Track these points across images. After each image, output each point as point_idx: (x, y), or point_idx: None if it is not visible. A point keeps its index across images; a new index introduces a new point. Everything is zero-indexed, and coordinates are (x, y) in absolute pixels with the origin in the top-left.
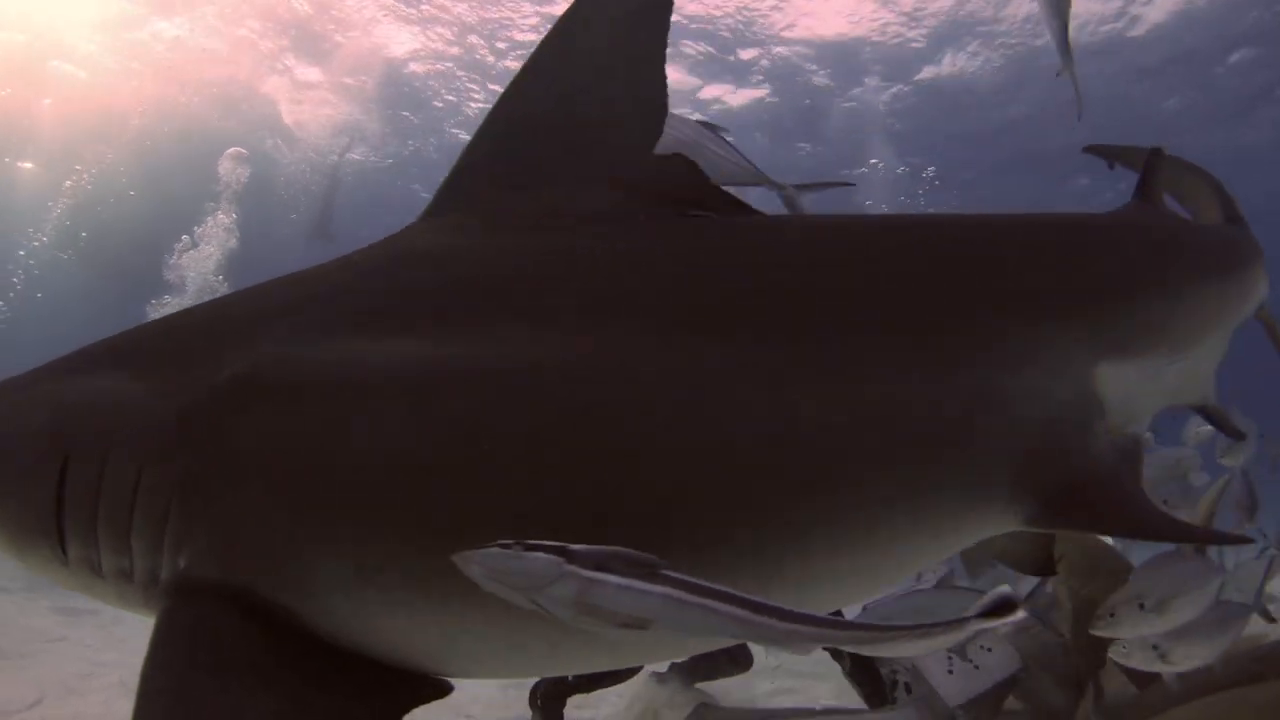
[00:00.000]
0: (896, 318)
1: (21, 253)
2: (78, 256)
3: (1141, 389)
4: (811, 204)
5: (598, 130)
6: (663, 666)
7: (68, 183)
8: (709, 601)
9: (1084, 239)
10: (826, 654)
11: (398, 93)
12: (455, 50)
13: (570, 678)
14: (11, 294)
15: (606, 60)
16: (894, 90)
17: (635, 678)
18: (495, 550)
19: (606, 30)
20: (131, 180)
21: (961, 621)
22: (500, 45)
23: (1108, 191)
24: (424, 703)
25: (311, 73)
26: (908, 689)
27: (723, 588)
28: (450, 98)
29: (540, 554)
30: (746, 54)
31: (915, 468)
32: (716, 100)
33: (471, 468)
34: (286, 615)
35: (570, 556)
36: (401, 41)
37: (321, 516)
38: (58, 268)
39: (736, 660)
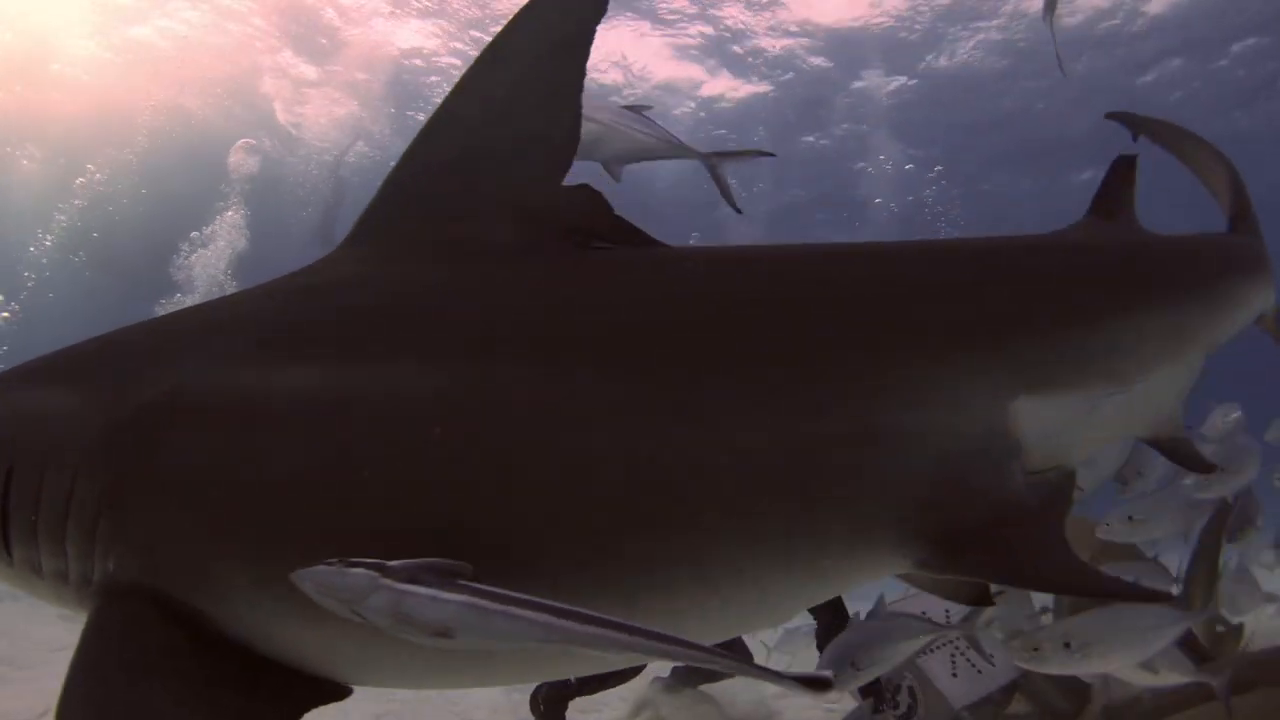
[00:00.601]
0: (782, 353)
1: (32, 249)
2: (88, 256)
3: (1069, 425)
4: (811, 195)
5: (508, 164)
6: (665, 670)
7: (79, 180)
8: (509, 608)
9: (1002, 266)
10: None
11: (403, 90)
12: (459, 45)
13: (573, 680)
14: (23, 294)
15: (522, 95)
16: (898, 82)
17: (639, 681)
18: (321, 568)
19: (524, 66)
20: (142, 179)
21: (776, 675)
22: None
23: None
24: (323, 704)
25: (314, 70)
26: (911, 693)
27: (523, 595)
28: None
29: (359, 569)
30: (745, 47)
31: (789, 507)
32: (721, 96)
33: (344, 491)
34: (202, 619)
35: (384, 571)
36: (406, 36)
37: (224, 530)
38: (68, 268)
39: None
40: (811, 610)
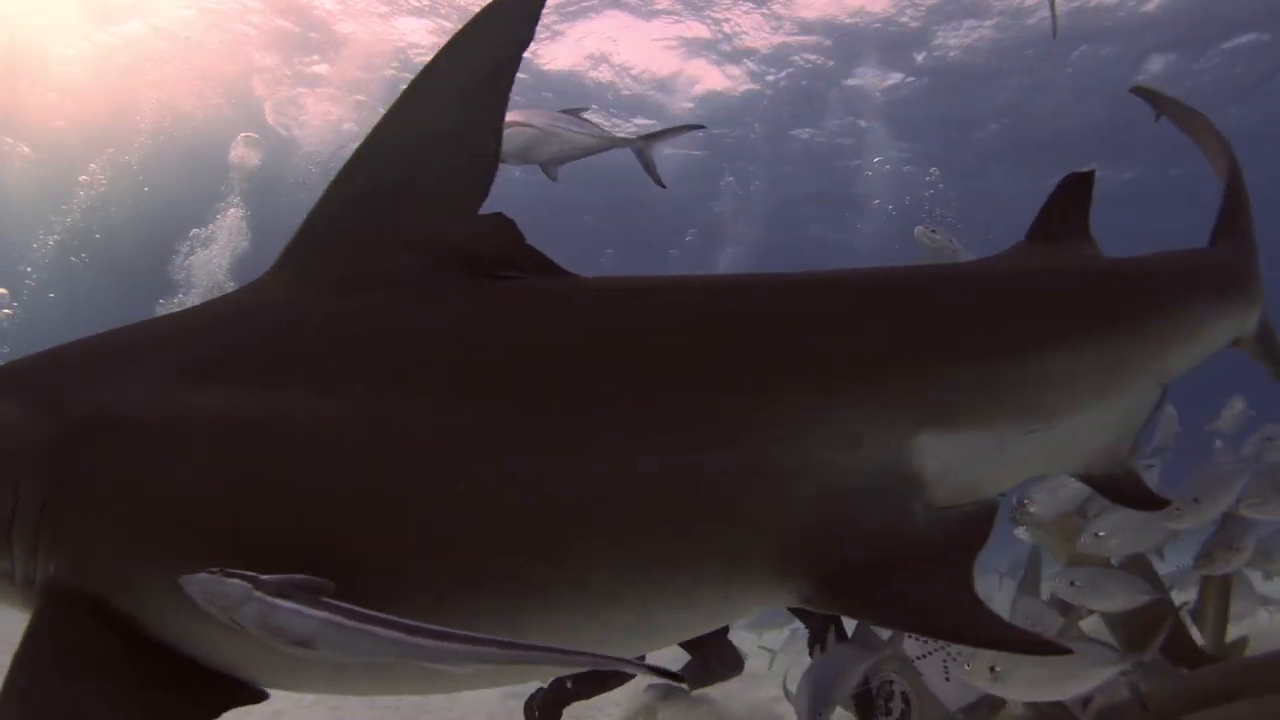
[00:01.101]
0: (667, 386)
1: (35, 245)
2: (90, 257)
3: (978, 462)
4: (809, 191)
5: (426, 195)
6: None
7: (82, 177)
8: (365, 625)
9: (906, 298)
10: None
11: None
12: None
13: (569, 684)
14: (24, 294)
15: (443, 128)
16: (894, 78)
17: (634, 685)
18: (204, 575)
19: (446, 100)
20: (145, 178)
21: (633, 663)
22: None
23: (1111, 176)
24: (242, 705)
25: (310, 69)
26: (905, 699)
27: (378, 614)
28: None
29: (235, 580)
30: (739, 45)
31: (665, 538)
32: (717, 93)
33: (241, 506)
34: (132, 622)
35: (256, 584)
36: (408, 33)
37: (143, 538)
38: (68, 268)
39: (728, 664)
40: (796, 613)
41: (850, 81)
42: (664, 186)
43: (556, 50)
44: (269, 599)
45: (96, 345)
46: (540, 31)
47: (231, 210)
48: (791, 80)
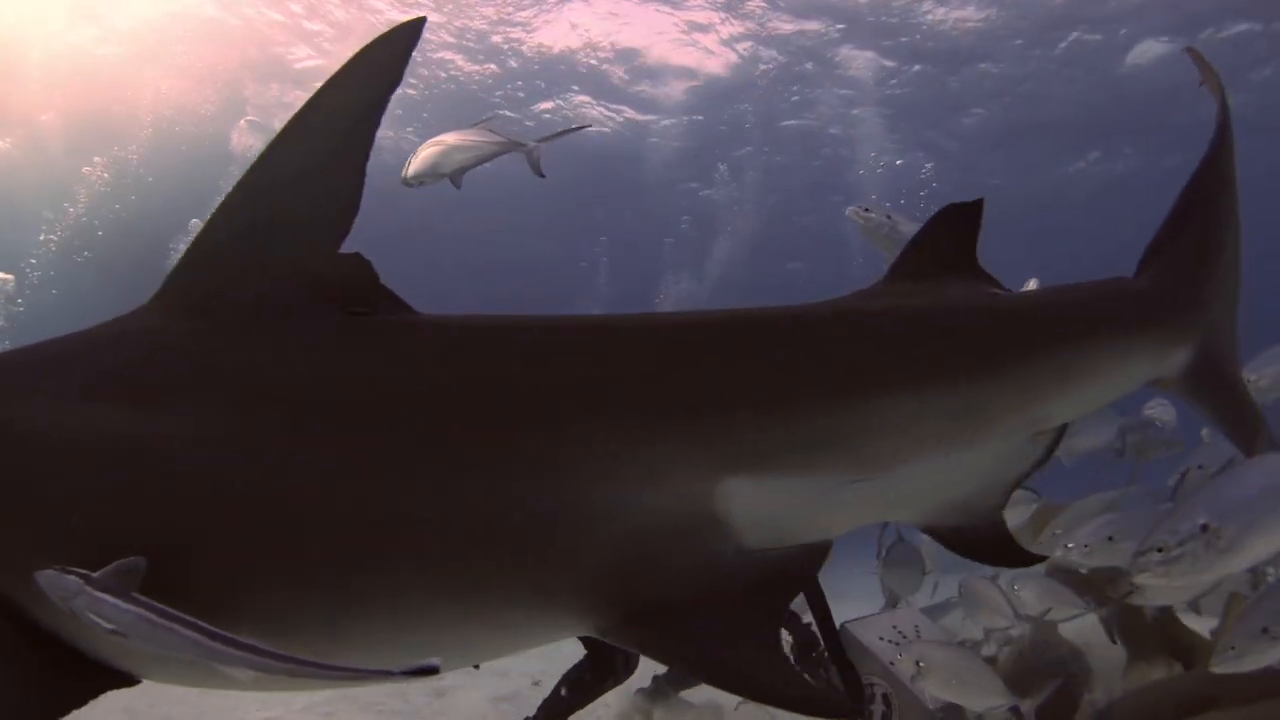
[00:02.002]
0: (485, 423)
1: (42, 236)
2: (93, 254)
3: (798, 509)
4: (803, 183)
5: (290, 231)
6: (645, 679)
7: (85, 169)
8: (171, 624)
9: (733, 341)
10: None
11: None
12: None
13: (563, 692)
14: (27, 290)
15: (310, 168)
16: (886, 64)
17: (622, 689)
18: (49, 571)
19: (316, 142)
20: (148, 172)
21: (386, 673)
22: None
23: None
24: (117, 688)
25: (314, 62)
26: (886, 700)
27: (187, 617)
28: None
29: (71, 575)
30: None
31: (477, 565)
32: (708, 77)
33: (102, 513)
34: (29, 617)
35: (87, 579)
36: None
37: (31, 540)
38: (72, 266)
39: None
40: (787, 627)
41: (841, 70)
42: (543, 176)
43: (551, 33)
44: (95, 592)
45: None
46: (533, 12)
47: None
48: (782, 68)
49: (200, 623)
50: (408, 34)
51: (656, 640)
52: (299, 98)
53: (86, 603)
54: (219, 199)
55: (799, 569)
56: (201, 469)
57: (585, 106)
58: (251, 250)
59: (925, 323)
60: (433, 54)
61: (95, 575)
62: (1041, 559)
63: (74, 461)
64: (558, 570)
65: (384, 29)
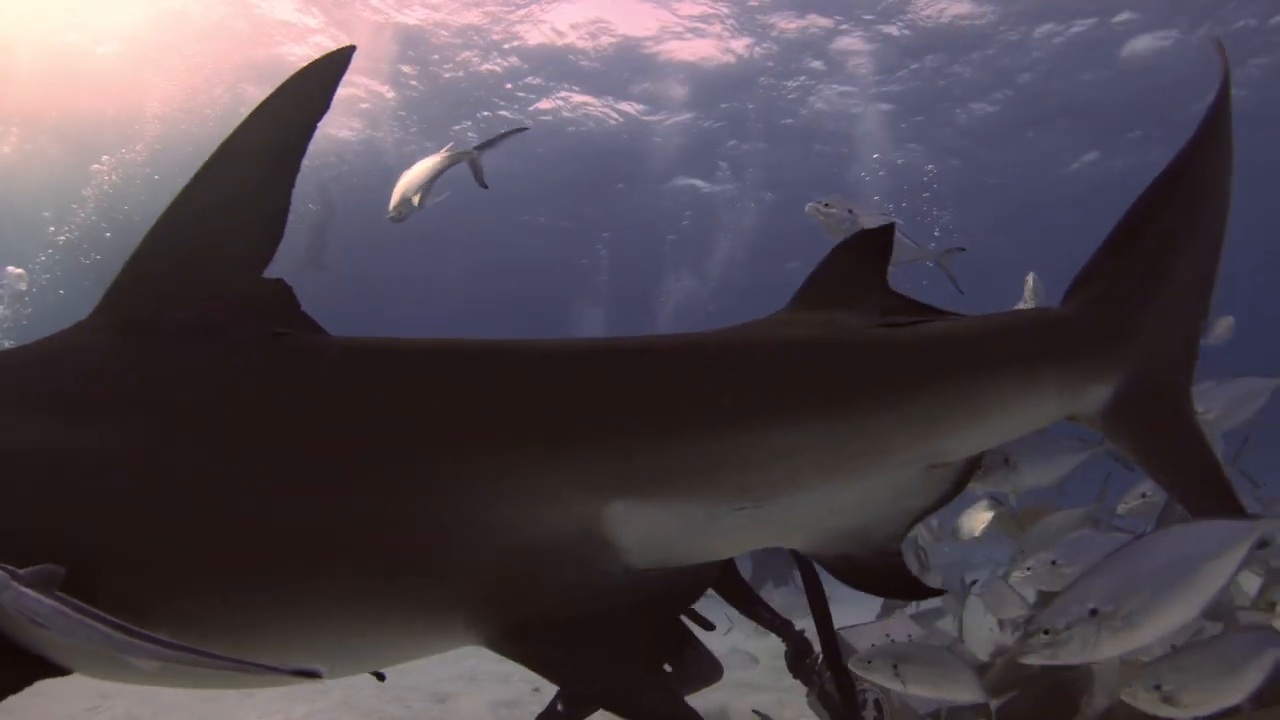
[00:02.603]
0: (382, 444)
1: (52, 227)
2: (101, 256)
3: (685, 532)
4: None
5: (222, 252)
6: None
7: (95, 166)
8: (84, 618)
9: (624, 368)
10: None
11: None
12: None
13: (560, 707)
14: (34, 290)
15: (243, 189)
16: (881, 50)
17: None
18: None
19: (243, 168)
20: (154, 172)
21: (273, 669)
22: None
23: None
24: (47, 677)
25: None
26: (878, 706)
27: (98, 612)
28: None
29: (1, 572)
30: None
31: (378, 578)
32: (710, 67)
33: (31, 519)
34: None
35: (14, 575)
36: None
37: None
38: (79, 269)
39: (706, 673)
40: (776, 632)
41: (841, 66)
42: (485, 187)
43: (550, 29)
44: (20, 588)
45: None
46: (535, 8)
47: None
48: (781, 61)
49: (109, 618)
50: (335, 64)
51: (539, 654)
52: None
53: (12, 596)
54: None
55: (687, 589)
56: (118, 483)
57: (586, 106)
58: (182, 271)
59: (815, 353)
60: (432, 53)
61: (20, 572)
62: (939, 593)
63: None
64: (446, 585)
65: (386, 29)
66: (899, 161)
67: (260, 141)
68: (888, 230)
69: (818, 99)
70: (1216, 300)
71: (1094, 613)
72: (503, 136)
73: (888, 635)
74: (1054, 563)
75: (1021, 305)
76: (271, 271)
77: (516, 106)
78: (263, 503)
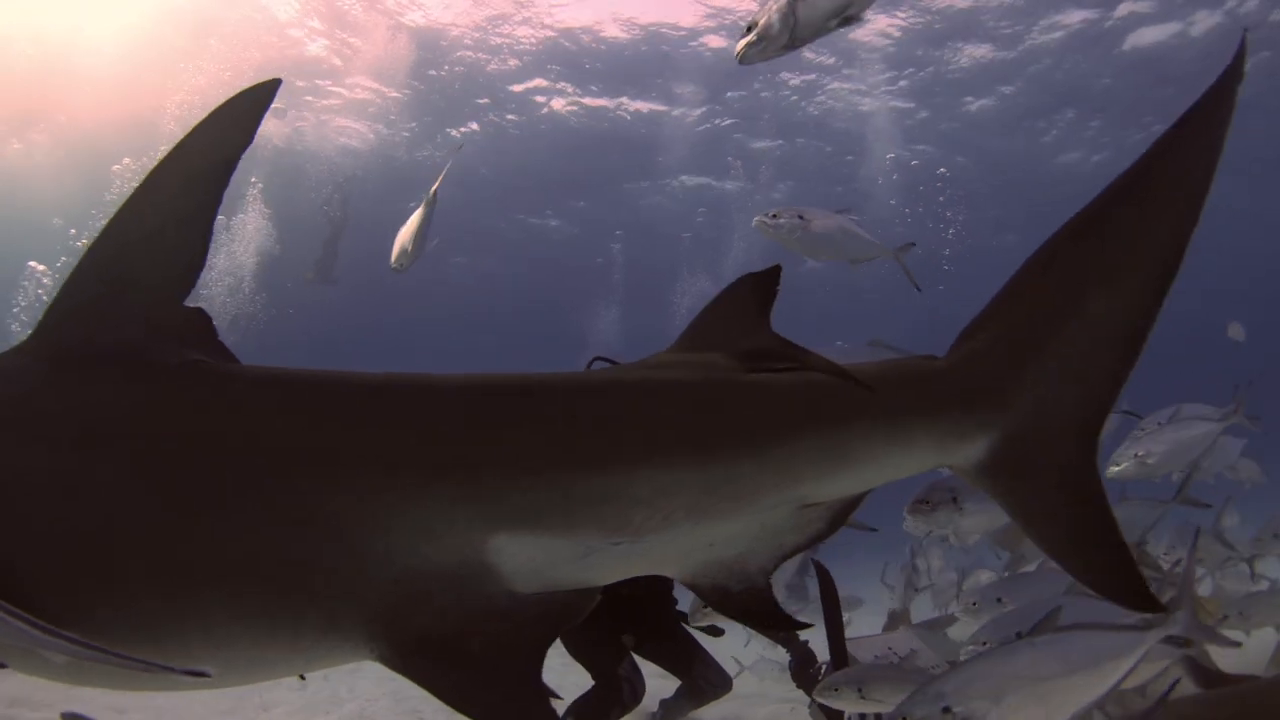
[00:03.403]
0: (294, 470)
1: (70, 232)
2: None
3: (564, 563)
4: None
5: (145, 280)
6: (654, 705)
7: (115, 167)
8: (5, 615)
9: (508, 406)
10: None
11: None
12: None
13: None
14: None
15: (167, 218)
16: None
17: (635, 715)
18: None
19: (168, 197)
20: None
21: (166, 667)
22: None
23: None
24: None
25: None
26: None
27: (16, 610)
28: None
29: None
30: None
31: (270, 595)
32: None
33: None
34: None
35: None
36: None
37: None
38: None
39: (715, 684)
40: (778, 641)
41: (856, 62)
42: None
43: (561, 19)
44: None
45: None
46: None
47: (251, 197)
48: (792, 55)
49: (26, 615)
50: (260, 95)
51: (425, 670)
52: (318, 89)
53: None
54: (246, 193)
55: (568, 611)
56: (35, 504)
57: (596, 104)
58: (107, 299)
59: (689, 397)
60: (428, 53)
61: None
62: (805, 626)
63: None
64: (341, 605)
65: (394, 30)
66: (913, 163)
67: (185, 172)
68: (773, 273)
69: (828, 96)
70: (1224, 305)
71: (947, 710)
72: (450, 156)
73: (890, 648)
74: (999, 600)
75: None
76: (281, 283)
77: (523, 106)
78: (161, 523)
